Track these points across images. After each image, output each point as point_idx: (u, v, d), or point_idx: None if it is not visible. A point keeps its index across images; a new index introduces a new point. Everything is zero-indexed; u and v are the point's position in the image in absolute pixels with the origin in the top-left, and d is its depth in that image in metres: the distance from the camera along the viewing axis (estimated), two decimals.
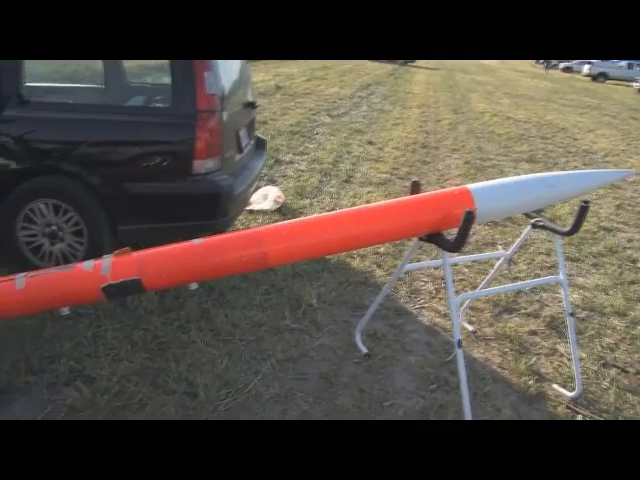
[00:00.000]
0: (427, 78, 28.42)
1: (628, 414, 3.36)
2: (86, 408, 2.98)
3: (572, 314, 3.48)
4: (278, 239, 2.69)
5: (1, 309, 2.91)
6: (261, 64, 23.70)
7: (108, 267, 2.74)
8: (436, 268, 4.91)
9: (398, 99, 17.26)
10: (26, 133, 4.06)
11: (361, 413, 3.13)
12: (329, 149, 9.05)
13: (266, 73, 20.03)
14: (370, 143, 9.90)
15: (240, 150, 4.68)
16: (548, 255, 5.53)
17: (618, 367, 3.84)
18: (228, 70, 4.54)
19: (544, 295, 4.73)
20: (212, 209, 4.04)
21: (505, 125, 14.08)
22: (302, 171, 7.68)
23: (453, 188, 3.04)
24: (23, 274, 2.92)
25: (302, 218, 2.85)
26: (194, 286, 2.86)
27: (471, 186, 2.98)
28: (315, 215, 2.87)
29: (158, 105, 4.58)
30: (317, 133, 10.33)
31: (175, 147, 4.00)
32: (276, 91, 15.38)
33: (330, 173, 7.72)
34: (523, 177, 3.16)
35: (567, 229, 3.33)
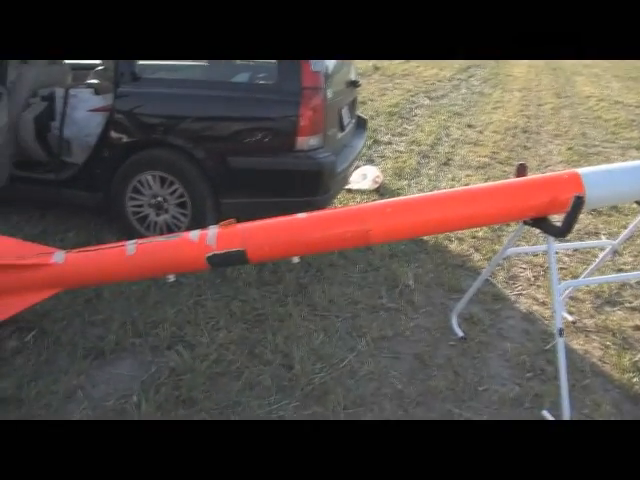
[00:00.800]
0: (529, 61, 27.48)
1: None
2: (186, 372, 3.09)
3: None
4: (382, 216, 2.70)
5: (113, 273, 3.06)
6: None
7: (214, 237, 2.83)
8: (536, 255, 4.78)
9: (498, 82, 16.77)
10: (137, 108, 4.22)
11: (455, 395, 3.11)
12: (428, 131, 8.93)
13: None
14: (469, 126, 9.70)
15: (342, 128, 4.69)
16: None
17: None
18: None
19: None
20: (313, 186, 4.08)
21: (613, 110, 13.43)
22: (400, 152, 7.63)
23: (562, 172, 2.95)
24: (133, 241, 3.05)
25: (406, 197, 2.84)
26: (296, 260, 2.90)
27: (581, 170, 2.88)
28: (419, 194, 2.85)
29: (263, 82, 4.65)
30: (415, 115, 10.20)
31: (279, 123, 4.05)
32: (374, 72, 15.27)
33: (429, 155, 7.63)
34: (638, 162, 3.03)
35: None
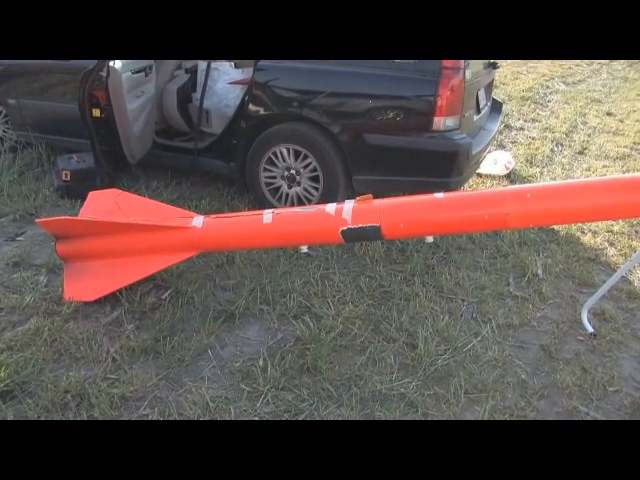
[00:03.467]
0: None
1: None
2: (312, 342, 3.16)
3: None
4: (522, 201, 2.64)
5: (249, 240, 3.18)
6: None
7: (350, 211, 2.87)
8: None
9: None
10: (275, 81, 4.32)
11: (581, 393, 3.01)
12: (562, 118, 8.57)
13: None
14: (609, 114, 9.21)
15: (478, 110, 4.60)
16: None
17: None
18: None
19: None
20: (448, 167, 4.04)
21: None
22: (533, 138, 7.38)
23: None
24: (270, 210, 3.14)
25: (546, 183, 2.76)
26: (430, 239, 2.90)
27: None
28: (558, 181, 2.76)
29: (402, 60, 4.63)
30: (550, 100, 9.81)
31: (416, 102, 4.03)
32: None
33: (563, 143, 7.34)
34: None
35: None
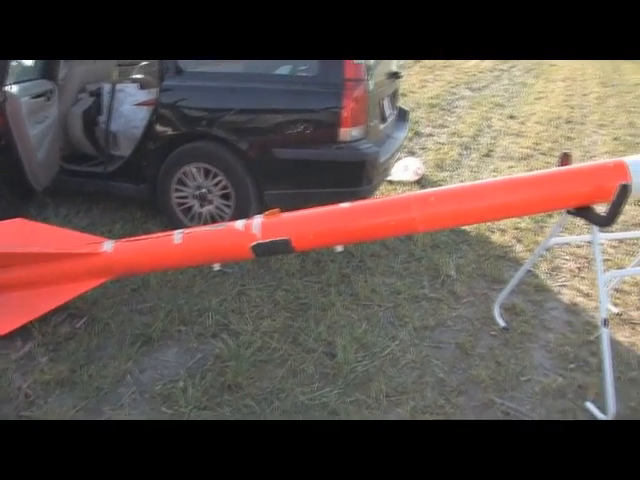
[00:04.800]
0: None
1: None
2: (231, 359, 3.16)
3: None
4: (426, 205, 2.72)
5: (160, 262, 3.15)
6: None
7: (259, 226, 2.89)
8: (579, 246, 4.74)
9: (541, 72, 16.53)
10: (181, 101, 4.30)
11: (496, 385, 3.11)
12: (469, 122, 8.87)
13: None
14: (511, 117, 9.59)
15: (384, 119, 4.71)
16: None
17: None
18: None
19: None
20: (357, 176, 4.11)
21: None
22: (442, 144, 7.60)
23: (607, 160, 2.93)
24: (180, 231, 3.13)
25: (450, 186, 2.86)
26: (340, 249, 2.94)
27: (628, 159, 2.86)
28: (461, 184, 2.86)
29: (305, 74, 4.67)
30: (457, 106, 10.13)
31: (321, 115, 4.09)
32: (414, 63, 15.17)
33: (470, 147, 7.59)
34: None
35: None
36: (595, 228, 2.86)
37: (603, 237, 3.38)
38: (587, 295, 4.05)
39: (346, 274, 4.08)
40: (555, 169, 2.91)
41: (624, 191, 2.65)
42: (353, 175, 4.11)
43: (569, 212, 2.95)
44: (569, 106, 11.28)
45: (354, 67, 4.03)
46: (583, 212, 2.86)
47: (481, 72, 14.88)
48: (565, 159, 3.04)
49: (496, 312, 3.70)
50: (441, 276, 4.12)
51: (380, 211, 2.77)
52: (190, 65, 4.38)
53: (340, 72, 4.01)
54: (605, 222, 2.77)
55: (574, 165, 2.96)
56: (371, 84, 4.19)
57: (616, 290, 4.15)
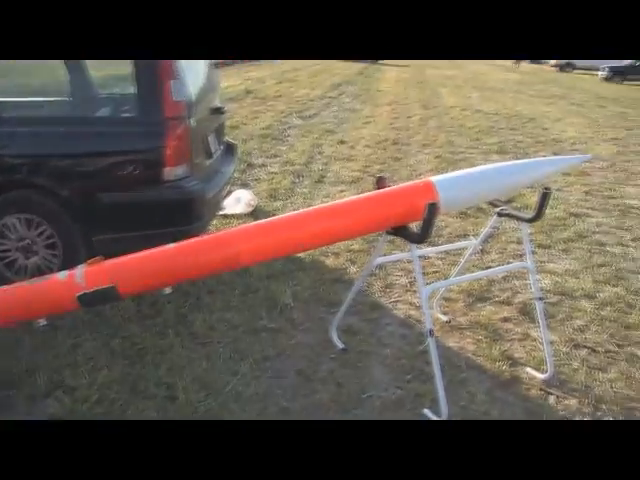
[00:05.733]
0: (397, 75, 28.56)
1: (598, 391, 3.47)
2: (67, 417, 3.01)
3: (541, 298, 3.58)
4: (248, 238, 2.76)
5: None
6: (232, 69, 23.71)
7: (82, 276, 2.79)
8: (409, 261, 4.98)
9: (368, 97, 17.35)
10: None
11: (338, 406, 3.19)
12: (301, 150, 9.11)
13: (237, 77, 20.05)
14: (341, 142, 9.97)
15: (210, 155, 4.72)
16: (519, 244, 5.61)
17: (588, 347, 3.94)
18: (195, 76, 4.58)
19: (516, 282, 4.83)
20: (185, 214, 4.09)
21: (475, 118, 14.22)
22: (274, 173, 7.73)
23: (417, 181, 3.12)
24: None
25: (272, 218, 2.92)
26: (168, 290, 2.91)
27: (434, 178, 3.06)
28: (283, 215, 2.93)
29: (125, 115, 4.61)
30: (288, 135, 10.38)
31: (145, 156, 4.04)
32: (247, 95, 15.42)
33: (302, 174, 7.78)
34: (483, 167, 3.26)
35: (530, 216, 3.43)
36: (412, 245, 3.03)
37: (422, 252, 3.59)
38: (419, 308, 4.25)
39: (183, 313, 4.03)
40: (370, 193, 3.05)
41: (432, 209, 2.83)
42: (182, 214, 4.09)
43: (388, 232, 3.10)
44: (395, 128, 11.91)
45: (174, 105, 4.02)
46: (400, 231, 3.02)
47: (312, 100, 15.36)
48: (381, 182, 3.20)
49: (333, 335, 3.80)
50: (279, 305, 4.17)
51: (204, 248, 2.77)
52: (6, 109, 4.17)
53: (160, 111, 3.98)
54: (420, 239, 2.93)
55: (388, 188, 3.13)
56: (193, 121, 4.20)
57: (445, 299, 4.41)
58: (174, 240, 2.99)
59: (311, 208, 2.95)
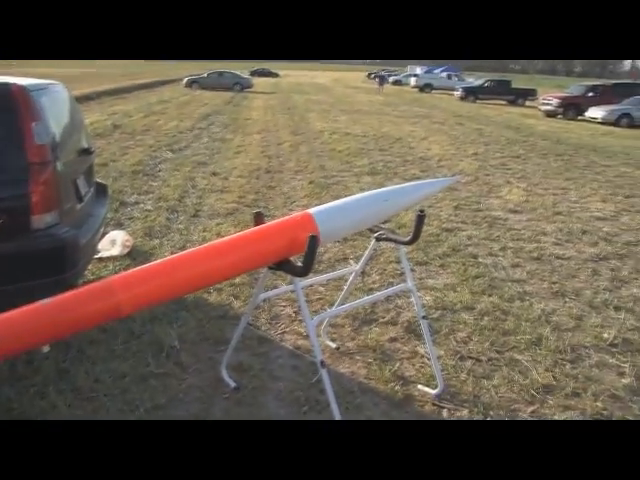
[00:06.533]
0: (265, 103, 28.85)
1: (485, 399, 3.62)
2: None
3: (424, 317, 3.69)
4: (128, 286, 2.65)
5: None
6: (95, 103, 23.08)
7: None
8: (293, 291, 4.99)
9: (238, 127, 17.39)
10: None
11: None
12: (174, 185, 8.95)
13: (102, 112, 19.51)
14: (214, 174, 9.90)
15: (80, 199, 4.53)
16: (399, 262, 5.76)
17: (472, 358, 4.11)
18: (59, 117, 4.40)
19: (399, 302, 4.96)
20: (59, 263, 3.88)
21: (344, 141, 14.58)
22: (149, 211, 7.54)
23: (296, 214, 3.13)
24: None
25: (151, 263, 2.82)
26: (46, 349, 2.75)
27: (312, 210, 3.09)
28: (163, 258, 2.84)
29: None
30: (160, 170, 10.18)
31: (10, 204, 3.81)
32: (114, 130, 15.02)
33: (177, 209, 7.64)
34: (360, 195, 3.32)
35: (408, 238, 3.52)
36: (295, 278, 3.03)
37: (305, 283, 3.60)
38: (307, 337, 4.26)
39: (64, 368, 3.80)
40: (250, 230, 3.03)
41: (313, 241, 2.84)
42: (55, 263, 3.88)
43: (270, 268, 3.08)
44: (267, 156, 11.99)
45: (37, 150, 3.83)
46: (282, 266, 3.00)
47: (181, 132, 15.22)
48: (258, 218, 3.19)
49: (224, 374, 3.73)
50: (165, 349, 4.04)
51: (81, 301, 2.63)
52: None
53: (22, 156, 3.78)
54: (302, 272, 2.93)
55: (267, 223, 3.12)
56: (59, 165, 4.02)
57: (332, 326, 4.45)
58: (52, 290, 2.84)
59: (192, 250, 2.87)
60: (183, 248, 5.79)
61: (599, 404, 3.63)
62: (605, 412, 3.57)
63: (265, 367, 3.91)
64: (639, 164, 13.84)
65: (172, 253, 5.36)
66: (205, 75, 40.29)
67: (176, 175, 9.71)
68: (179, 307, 4.66)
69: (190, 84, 39.03)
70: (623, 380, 3.92)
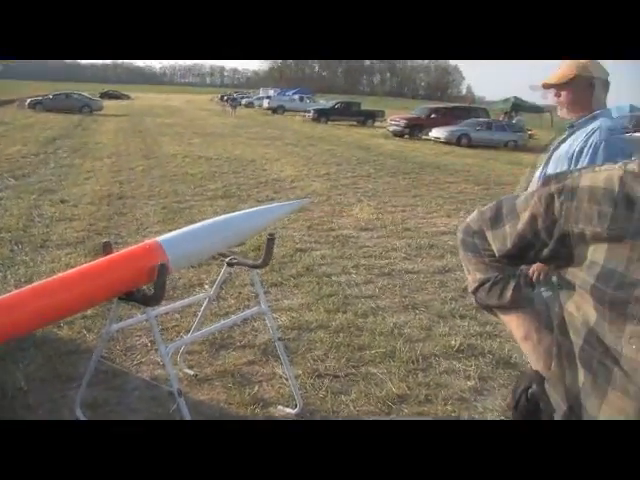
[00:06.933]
0: (115, 126, 28.08)
1: (343, 414, 3.72)
2: None
3: (280, 338, 3.74)
4: None
5: None
6: None
7: None
8: (147, 320, 4.88)
9: (88, 151, 16.81)
10: None
11: None
12: (17, 214, 8.47)
13: None
14: (63, 201, 9.50)
15: None
16: (254, 285, 5.79)
17: (330, 375, 4.21)
18: None
19: (256, 324, 4.99)
20: None
21: (197, 165, 14.50)
22: None
23: (144, 242, 3.08)
24: None
25: None
26: None
27: (161, 238, 3.06)
28: (4, 295, 2.70)
29: None
30: (1, 198, 9.62)
31: None
32: None
33: (22, 240, 7.21)
34: (210, 221, 3.33)
35: (259, 262, 3.57)
36: (148, 308, 2.99)
37: (158, 312, 3.56)
38: (164, 366, 4.18)
39: None
40: (97, 261, 2.94)
41: (163, 270, 2.82)
42: None
43: (120, 299, 3.01)
44: (118, 182, 11.69)
45: None
46: (132, 296, 2.94)
47: (25, 157, 14.53)
48: (107, 248, 3.10)
49: (78, 412, 3.57)
50: (9, 392, 3.75)
51: None
52: None
53: None
54: (153, 301, 2.90)
55: (116, 252, 3.05)
56: None
57: (188, 353, 4.40)
58: None
59: (32, 285, 2.75)
60: (30, 281, 5.49)
61: (449, 407, 3.84)
62: (454, 414, 3.78)
63: (121, 400, 3.79)
64: (478, 180, 14.84)
65: (17, 287, 5.07)
66: (50, 96, 38.65)
67: (20, 203, 9.22)
68: (26, 344, 4.38)
69: (34, 105, 37.27)
70: (469, 382, 4.18)
